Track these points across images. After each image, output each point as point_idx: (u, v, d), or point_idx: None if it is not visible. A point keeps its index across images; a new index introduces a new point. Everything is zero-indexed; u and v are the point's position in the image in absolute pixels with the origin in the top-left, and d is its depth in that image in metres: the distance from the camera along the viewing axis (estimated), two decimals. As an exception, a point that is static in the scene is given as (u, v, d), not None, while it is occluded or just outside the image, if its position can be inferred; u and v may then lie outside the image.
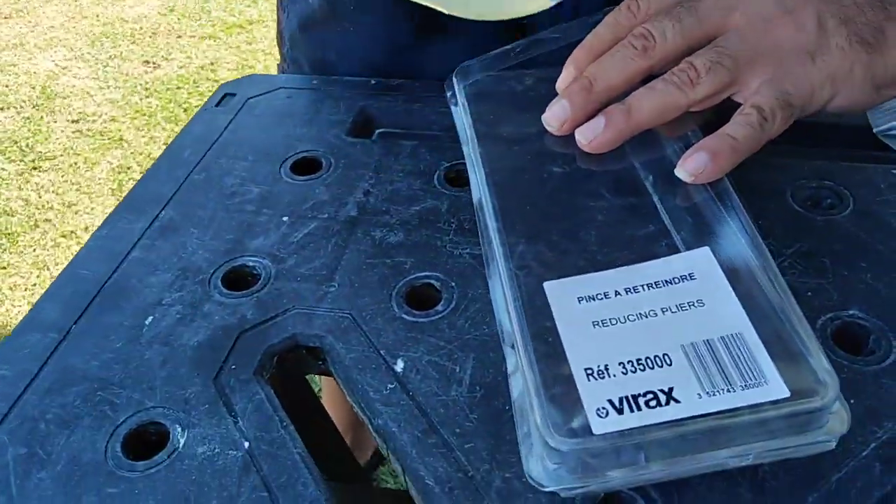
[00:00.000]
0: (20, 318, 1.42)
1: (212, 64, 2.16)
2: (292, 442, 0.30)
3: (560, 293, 0.30)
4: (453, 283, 0.36)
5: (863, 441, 0.28)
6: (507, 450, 0.29)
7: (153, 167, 0.45)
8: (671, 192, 0.34)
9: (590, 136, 0.34)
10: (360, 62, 0.51)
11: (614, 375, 0.26)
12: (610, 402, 0.25)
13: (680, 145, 0.36)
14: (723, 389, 0.25)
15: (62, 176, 1.76)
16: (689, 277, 0.29)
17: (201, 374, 0.33)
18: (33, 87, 2.10)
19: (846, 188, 0.40)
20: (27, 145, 1.87)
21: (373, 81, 0.51)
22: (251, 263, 0.38)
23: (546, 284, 0.30)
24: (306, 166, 0.44)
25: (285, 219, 0.40)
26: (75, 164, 1.80)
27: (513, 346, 0.29)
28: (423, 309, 0.35)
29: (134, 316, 0.36)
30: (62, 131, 1.92)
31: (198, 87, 2.06)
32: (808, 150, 0.44)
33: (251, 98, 0.51)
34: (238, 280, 0.37)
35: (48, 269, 1.52)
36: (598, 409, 0.25)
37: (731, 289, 0.29)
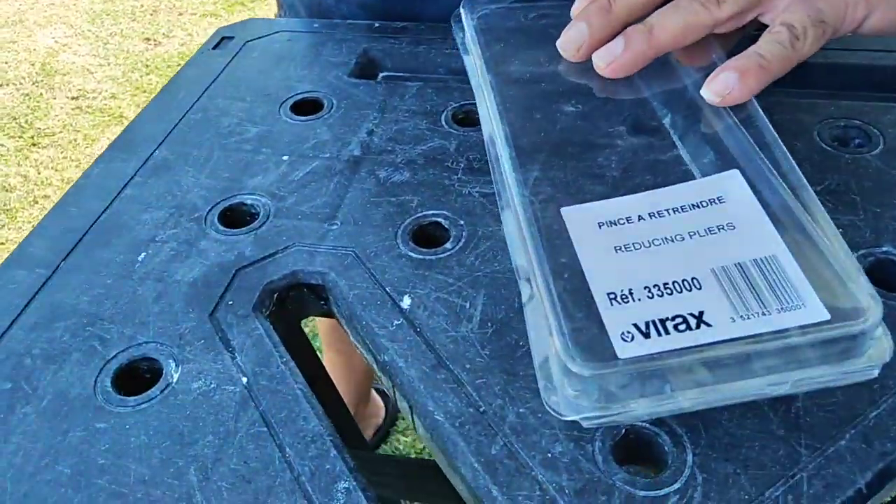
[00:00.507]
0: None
1: (213, 41, 2.13)
2: (293, 377, 0.28)
3: (578, 219, 0.27)
4: (462, 222, 0.34)
5: (902, 376, 0.26)
6: (521, 385, 0.27)
7: (146, 109, 0.43)
8: (694, 124, 0.32)
9: (608, 59, 0.32)
10: (359, 5, 0.49)
11: (639, 300, 0.24)
12: (635, 325, 0.23)
13: (702, 75, 0.34)
14: (757, 313, 0.23)
15: (61, 152, 1.74)
16: (717, 201, 0.27)
17: (196, 309, 0.31)
18: (33, 64, 2.08)
19: (876, 127, 0.38)
20: (27, 122, 1.85)
21: (376, 24, 0.49)
22: (249, 201, 0.36)
23: (563, 210, 0.28)
24: (307, 107, 0.42)
25: (285, 158, 0.39)
26: (75, 140, 1.78)
27: (528, 280, 0.27)
28: (431, 247, 0.33)
29: (126, 252, 0.34)
30: (62, 108, 1.90)
31: (199, 63, 2.03)
32: (835, 91, 0.42)
33: (249, 41, 0.48)
34: (235, 218, 0.35)
35: (47, 244, 1.50)
36: (623, 334, 0.23)
37: (763, 211, 0.27)
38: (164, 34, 2.19)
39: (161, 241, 0.34)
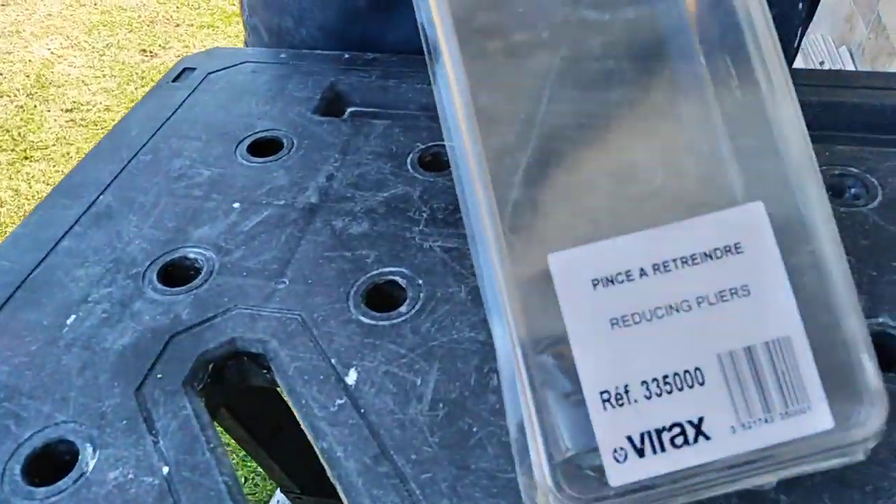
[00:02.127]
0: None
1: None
2: (219, 467, 0.25)
3: (569, 272, 0.23)
4: (420, 281, 0.31)
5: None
6: (471, 482, 0.24)
7: (95, 148, 0.40)
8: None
9: None
10: (319, 29, 0.47)
11: (636, 401, 0.21)
12: (629, 439, 0.20)
13: None
14: (760, 419, 0.20)
15: (54, 166, 1.72)
16: (734, 250, 0.22)
17: (122, 383, 0.28)
18: (28, 76, 2.06)
19: (874, 176, 0.35)
20: (19, 134, 1.83)
21: (346, 55, 0.46)
22: (192, 255, 0.33)
23: (551, 257, 0.23)
24: (265, 147, 0.40)
25: (236, 205, 0.36)
26: (67, 153, 1.76)
27: (504, 358, 0.24)
28: (385, 310, 0.30)
29: (55, 314, 0.31)
30: (55, 120, 1.88)
31: (194, 76, 2.02)
32: (830, 133, 0.40)
33: (212, 73, 0.46)
34: (176, 274, 0.33)
35: (36, 260, 1.48)
36: (616, 451, 0.20)
37: (783, 269, 0.22)
38: (160, 46, 2.17)
39: (93, 302, 0.31)
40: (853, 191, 0.35)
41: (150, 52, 2.15)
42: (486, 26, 0.26)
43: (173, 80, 0.46)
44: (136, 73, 2.05)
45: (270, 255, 0.33)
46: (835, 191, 0.35)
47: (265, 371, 0.30)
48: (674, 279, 0.22)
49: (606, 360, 0.21)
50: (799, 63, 1.56)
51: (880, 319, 0.29)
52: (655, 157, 0.24)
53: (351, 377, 0.27)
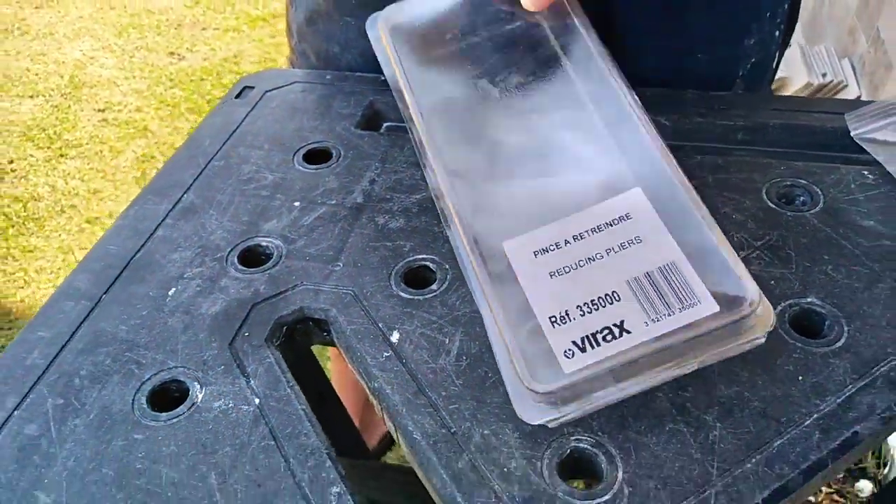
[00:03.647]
0: (45, 299, 1.48)
1: (235, 56, 2.21)
2: (297, 399, 0.33)
3: (518, 250, 0.34)
4: (447, 266, 0.39)
5: (806, 413, 0.32)
6: (488, 411, 0.32)
7: (175, 154, 0.49)
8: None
9: None
10: (360, 55, 0.55)
11: (574, 319, 0.31)
12: (574, 342, 0.30)
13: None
14: (664, 314, 0.30)
15: (88, 163, 1.82)
16: (625, 217, 0.34)
17: (218, 339, 0.36)
18: (62, 77, 2.16)
19: (818, 187, 0.43)
20: (55, 133, 1.93)
21: (382, 77, 0.54)
22: (264, 244, 0.42)
23: (505, 244, 0.34)
24: (317, 156, 0.48)
25: (297, 204, 0.44)
26: (101, 152, 1.85)
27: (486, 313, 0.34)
28: (419, 288, 0.38)
29: (158, 287, 0.39)
30: (88, 120, 1.97)
31: (221, 79, 2.11)
32: (786, 150, 0.47)
33: (268, 91, 0.54)
34: (252, 258, 0.41)
35: (73, 253, 1.57)
36: (566, 352, 0.29)
37: (661, 223, 0.33)
38: (187, 48, 2.27)
39: (188, 278, 0.40)
40: (801, 199, 0.43)
41: (178, 54, 2.25)
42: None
43: (236, 97, 0.54)
44: (165, 75, 2.14)
45: (327, 244, 0.41)
46: (787, 198, 0.43)
47: (325, 333, 0.38)
48: (588, 243, 0.33)
49: (549, 297, 0.32)
50: (802, 74, 1.63)
51: (809, 299, 0.36)
52: (567, 162, 0.37)
53: (394, 337, 0.36)
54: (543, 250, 0.33)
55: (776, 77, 0.67)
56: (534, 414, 0.30)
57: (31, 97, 2.07)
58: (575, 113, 0.38)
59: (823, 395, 0.32)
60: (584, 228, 0.33)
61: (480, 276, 0.33)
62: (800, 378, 0.33)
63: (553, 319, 0.31)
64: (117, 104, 2.03)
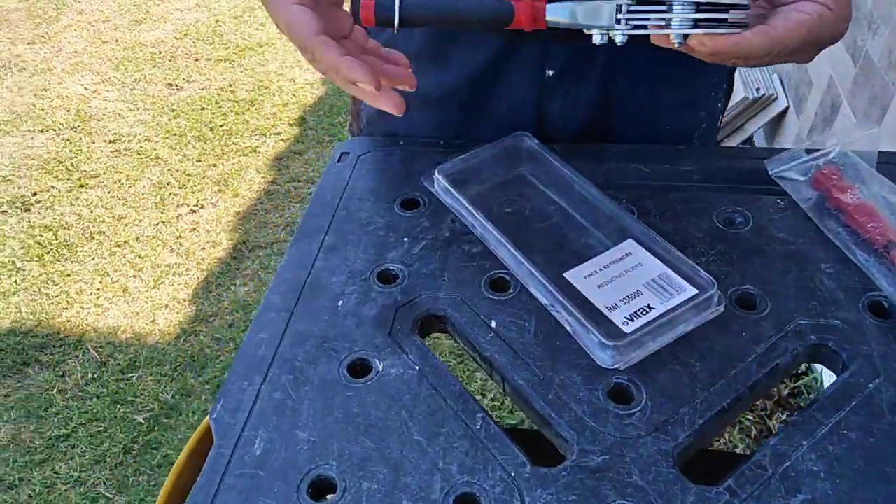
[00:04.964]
0: (89, 318, 1.65)
1: (230, 85, 2.38)
2: (441, 365, 0.54)
3: (575, 276, 0.56)
4: (516, 278, 0.61)
5: (748, 354, 0.54)
6: (560, 365, 0.54)
7: (310, 207, 0.69)
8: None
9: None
10: (420, 140, 0.76)
11: (620, 306, 0.53)
12: (625, 317, 0.53)
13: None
14: (667, 299, 0.53)
15: (108, 192, 1.98)
16: (629, 254, 0.57)
17: (380, 332, 0.57)
18: (68, 111, 2.31)
19: (749, 212, 0.66)
20: (72, 164, 2.08)
21: (441, 142, 0.75)
22: (391, 268, 0.62)
23: (566, 274, 0.56)
24: (410, 204, 0.69)
25: (405, 239, 0.65)
26: (118, 181, 2.02)
27: (565, 310, 0.55)
28: (501, 292, 0.60)
29: (330, 300, 0.60)
30: (101, 151, 2.14)
31: (220, 107, 2.28)
32: (727, 186, 0.70)
33: (360, 156, 0.75)
34: (386, 278, 0.62)
35: (108, 275, 1.75)
36: (623, 321, 0.52)
37: (649, 254, 0.57)
38: (184, 79, 2.44)
39: (348, 294, 0.60)
40: (738, 220, 0.65)
41: (176, 85, 2.41)
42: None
43: (337, 161, 0.75)
44: (167, 106, 2.31)
45: (434, 266, 0.62)
46: (729, 221, 0.65)
47: (443, 324, 0.59)
48: (614, 268, 0.57)
49: (603, 297, 0.54)
50: (739, 90, 1.88)
51: (746, 286, 0.59)
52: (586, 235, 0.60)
53: (493, 324, 0.57)
54: (589, 275, 0.56)
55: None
56: (610, 361, 0.52)
57: (42, 131, 2.22)
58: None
59: (757, 343, 0.55)
60: (608, 262, 0.57)
61: (555, 290, 0.55)
62: (743, 334, 0.55)
63: (609, 307, 0.53)
64: (126, 135, 2.19)
